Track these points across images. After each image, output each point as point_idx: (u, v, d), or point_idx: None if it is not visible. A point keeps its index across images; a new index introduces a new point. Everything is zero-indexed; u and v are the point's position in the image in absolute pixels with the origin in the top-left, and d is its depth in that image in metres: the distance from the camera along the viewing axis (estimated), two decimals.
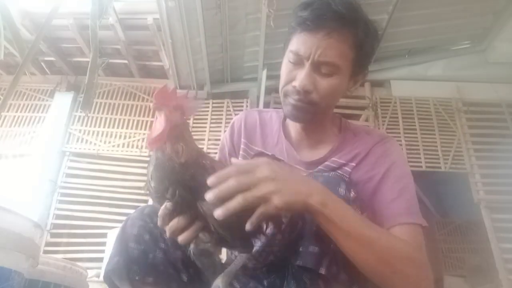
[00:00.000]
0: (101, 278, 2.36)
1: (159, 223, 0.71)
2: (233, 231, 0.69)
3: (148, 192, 0.71)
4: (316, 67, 0.86)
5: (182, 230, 0.69)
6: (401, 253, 0.72)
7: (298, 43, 0.87)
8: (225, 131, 3.64)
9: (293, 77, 0.89)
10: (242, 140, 1.07)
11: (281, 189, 0.64)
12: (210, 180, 0.64)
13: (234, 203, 0.63)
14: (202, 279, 0.88)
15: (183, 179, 0.67)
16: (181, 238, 0.69)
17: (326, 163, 0.94)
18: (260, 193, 0.64)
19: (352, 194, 0.80)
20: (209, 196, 0.63)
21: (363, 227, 0.70)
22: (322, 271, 0.71)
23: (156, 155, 0.69)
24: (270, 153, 0.99)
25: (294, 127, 1.02)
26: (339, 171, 0.89)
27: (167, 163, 0.68)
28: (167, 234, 0.70)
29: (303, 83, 0.86)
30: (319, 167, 0.93)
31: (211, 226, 0.68)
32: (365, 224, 0.72)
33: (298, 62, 0.88)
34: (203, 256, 0.74)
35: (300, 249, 0.76)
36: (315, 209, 0.67)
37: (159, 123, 0.70)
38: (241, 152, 1.07)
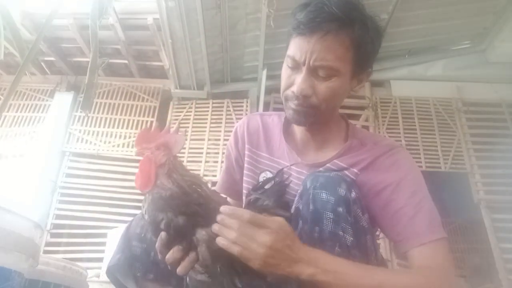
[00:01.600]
0: (101, 278, 2.36)
1: (158, 255, 0.75)
2: (222, 265, 0.72)
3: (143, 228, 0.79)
4: (313, 71, 0.85)
5: (178, 261, 0.72)
6: (419, 282, 0.74)
7: (294, 48, 0.86)
8: (225, 131, 3.65)
9: (292, 82, 0.88)
10: (246, 146, 1.06)
11: (271, 263, 0.68)
12: (214, 228, 0.70)
13: (226, 246, 0.69)
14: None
15: (176, 209, 0.71)
16: (178, 270, 0.72)
17: (328, 165, 0.93)
18: (251, 256, 0.68)
19: (353, 194, 0.80)
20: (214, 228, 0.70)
21: (368, 278, 0.71)
22: None
23: (149, 193, 0.75)
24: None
25: (299, 129, 1.01)
26: (339, 174, 0.88)
27: (158, 197, 0.73)
28: (168, 265, 0.73)
29: (300, 88, 0.85)
30: (320, 169, 0.93)
31: (199, 257, 0.71)
32: (372, 273, 0.73)
33: (296, 67, 0.87)
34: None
35: None
36: (308, 281, 0.70)
37: (144, 166, 0.75)
38: (246, 158, 1.06)
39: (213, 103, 3.43)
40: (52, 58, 3.43)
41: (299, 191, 0.86)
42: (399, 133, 3.24)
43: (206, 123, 3.34)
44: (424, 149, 3.18)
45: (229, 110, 3.39)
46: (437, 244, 0.80)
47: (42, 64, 3.56)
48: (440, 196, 3.90)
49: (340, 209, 0.77)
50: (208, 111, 3.40)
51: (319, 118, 0.90)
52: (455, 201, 3.75)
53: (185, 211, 0.71)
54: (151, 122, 3.38)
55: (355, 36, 0.84)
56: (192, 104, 3.45)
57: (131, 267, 0.86)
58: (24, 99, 3.51)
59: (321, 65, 0.83)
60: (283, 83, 0.91)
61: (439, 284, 0.75)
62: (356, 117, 3.30)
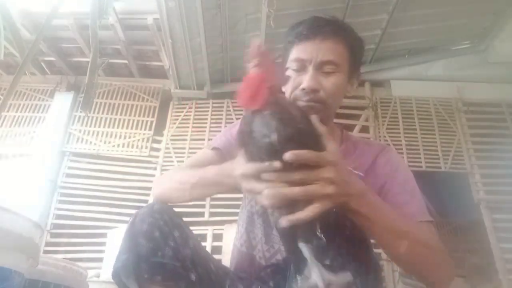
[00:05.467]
0: (101, 278, 2.36)
1: (269, 177, 0.65)
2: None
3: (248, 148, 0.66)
4: (319, 67, 0.94)
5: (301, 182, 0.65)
6: (428, 242, 0.81)
7: (299, 51, 0.97)
8: None
9: (299, 82, 0.95)
10: None
11: (338, 191, 0.65)
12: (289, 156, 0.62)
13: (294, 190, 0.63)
14: (211, 278, 0.89)
15: (300, 133, 0.65)
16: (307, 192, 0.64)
17: None
18: (322, 192, 0.64)
19: None
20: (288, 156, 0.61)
21: (399, 221, 0.77)
22: (327, 262, 0.72)
23: (272, 111, 0.66)
24: None
25: None
26: None
27: (271, 116, 0.65)
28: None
29: (310, 83, 0.93)
30: None
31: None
32: (400, 219, 0.78)
33: (301, 68, 0.96)
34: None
35: None
36: (356, 210, 0.71)
37: (254, 82, 0.67)
38: None
39: (213, 103, 3.43)
40: (52, 58, 3.43)
41: None
42: (399, 133, 3.24)
43: (206, 123, 3.34)
44: (424, 149, 3.18)
45: (229, 110, 3.39)
46: (430, 225, 0.90)
47: (42, 64, 3.56)
48: (440, 196, 3.91)
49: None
50: (208, 111, 3.40)
51: (325, 114, 0.97)
52: (455, 201, 3.74)
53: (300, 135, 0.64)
54: (151, 121, 3.38)
55: (349, 39, 0.98)
56: (192, 104, 3.45)
57: (137, 268, 0.79)
58: (24, 99, 3.51)
59: (328, 60, 0.94)
60: (290, 85, 0.98)
61: (444, 255, 0.84)
62: (356, 117, 3.29)
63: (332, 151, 0.66)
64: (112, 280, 0.85)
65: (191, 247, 0.87)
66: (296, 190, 0.63)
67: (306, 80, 0.94)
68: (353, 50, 0.99)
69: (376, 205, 0.75)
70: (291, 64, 0.98)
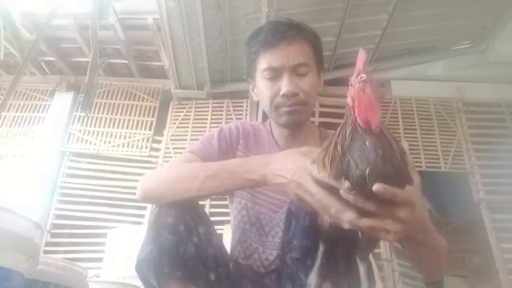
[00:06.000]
0: (101, 278, 2.36)
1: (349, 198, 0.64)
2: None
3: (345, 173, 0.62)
4: (293, 71, 0.98)
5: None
6: (441, 245, 0.85)
7: (268, 60, 0.99)
8: None
9: (277, 89, 0.98)
10: (240, 142, 1.09)
11: (403, 231, 0.64)
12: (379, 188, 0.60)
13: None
14: (230, 278, 0.87)
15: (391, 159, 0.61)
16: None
17: None
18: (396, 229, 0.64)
19: None
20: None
21: (436, 239, 0.83)
22: (318, 263, 0.73)
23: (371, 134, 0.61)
24: None
25: (281, 136, 1.09)
26: None
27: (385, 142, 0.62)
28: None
29: (289, 88, 0.97)
30: None
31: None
32: (436, 234, 0.83)
33: (275, 75, 0.99)
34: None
35: (294, 242, 0.81)
36: (416, 241, 0.78)
37: (368, 97, 0.61)
38: (238, 152, 1.08)
39: (213, 103, 3.43)
40: (52, 58, 3.43)
41: None
42: (399, 133, 3.24)
43: (206, 123, 3.34)
44: (424, 149, 3.18)
45: (229, 110, 3.39)
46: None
47: (42, 64, 3.56)
48: (440, 196, 3.91)
49: None
50: (208, 111, 3.40)
51: (307, 114, 1.04)
52: (455, 201, 3.75)
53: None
54: (151, 121, 3.38)
55: (310, 38, 1.02)
56: (192, 104, 3.45)
57: (159, 261, 0.76)
58: (24, 99, 3.51)
59: (299, 63, 0.98)
60: (268, 95, 1.00)
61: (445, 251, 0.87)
62: None
63: (414, 189, 0.64)
64: (112, 280, 0.85)
65: (214, 245, 0.85)
66: (367, 222, 0.62)
67: (284, 86, 0.97)
68: (316, 47, 1.04)
69: (430, 231, 0.80)
70: (263, 74, 1.00)
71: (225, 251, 0.94)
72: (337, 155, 0.64)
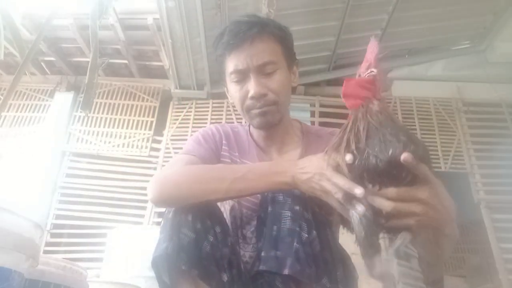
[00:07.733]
0: (101, 278, 2.36)
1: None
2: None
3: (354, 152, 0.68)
4: (259, 71, 0.95)
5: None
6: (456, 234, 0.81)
7: (233, 63, 0.96)
8: None
9: (246, 91, 0.97)
10: (224, 142, 1.09)
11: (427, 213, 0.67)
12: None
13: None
14: (242, 280, 0.85)
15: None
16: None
17: None
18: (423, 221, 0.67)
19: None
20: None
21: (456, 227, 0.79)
22: (286, 272, 0.73)
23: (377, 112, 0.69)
24: None
25: (259, 137, 1.08)
26: None
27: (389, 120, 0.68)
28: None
29: (257, 89, 0.95)
30: None
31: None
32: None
33: (242, 77, 0.97)
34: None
35: (262, 254, 0.78)
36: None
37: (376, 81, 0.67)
38: (223, 152, 1.07)
39: (213, 103, 3.43)
40: (52, 58, 3.43)
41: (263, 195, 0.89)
42: None
43: (206, 123, 3.34)
44: None
45: (229, 110, 3.39)
46: None
47: (42, 64, 3.56)
48: None
49: (297, 207, 0.80)
50: (208, 111, 3.40)
51: (280, 114, 1.00)
52: (455, 201, 3.75)
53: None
54: (151, 121, 3.38)
55: (275, 33, 0.98)
56: (192, 104, 3.45)
57: (176, 257, 0.75)
58: (24, 99, 3.51)
59: (264, 62, 0.95)
60: (238, 98, 0.99)
61: None
62: None
63: (432, 171, 0.68)
64: (112, 280, 0.85)
65: (229, 246, 0.84)
66: (392, 204, 0.65)
67: (251, 88, 0.95)
68: (283, 41, 1.00)
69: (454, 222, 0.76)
70: (231, 77, 0.99)
71: (239, 252, 0.92)
72: (352, 146, 0.69)
